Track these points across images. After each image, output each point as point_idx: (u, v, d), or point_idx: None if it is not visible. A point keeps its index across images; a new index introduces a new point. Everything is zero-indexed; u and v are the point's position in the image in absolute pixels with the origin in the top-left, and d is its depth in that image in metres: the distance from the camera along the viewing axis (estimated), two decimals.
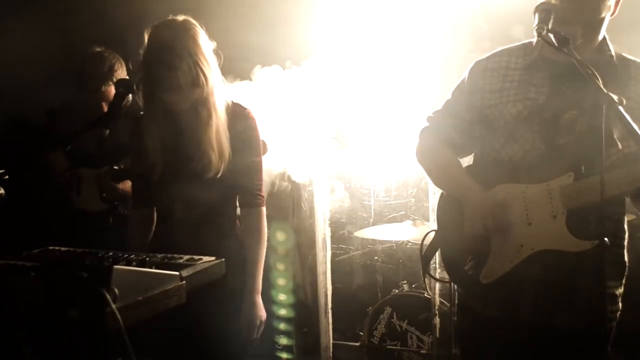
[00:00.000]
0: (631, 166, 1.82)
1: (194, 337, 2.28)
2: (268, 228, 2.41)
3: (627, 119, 1.61)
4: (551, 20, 1.87)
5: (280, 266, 3.93)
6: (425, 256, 2.21)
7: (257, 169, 2.38)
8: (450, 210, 2.14)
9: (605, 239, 1.76)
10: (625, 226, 2.05)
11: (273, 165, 3.30)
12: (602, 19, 1.98)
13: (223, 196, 2.33)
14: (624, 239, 2.03)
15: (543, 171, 1.96)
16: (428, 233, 2.22)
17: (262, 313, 2.35)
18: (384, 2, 3.98)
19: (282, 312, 3.88)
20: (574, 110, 1.94)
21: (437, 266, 3.15)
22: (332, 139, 3.47)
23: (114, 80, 2.99)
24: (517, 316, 2.00)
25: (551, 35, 1.83)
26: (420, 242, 2.22)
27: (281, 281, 3.92)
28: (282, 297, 3.88)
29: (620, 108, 1.62)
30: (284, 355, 3.89)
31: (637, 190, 1.94)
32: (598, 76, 1.71)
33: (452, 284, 2.30)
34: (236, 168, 2.29)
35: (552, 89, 2.00)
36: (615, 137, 1.88)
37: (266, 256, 2.39)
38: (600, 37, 2.02)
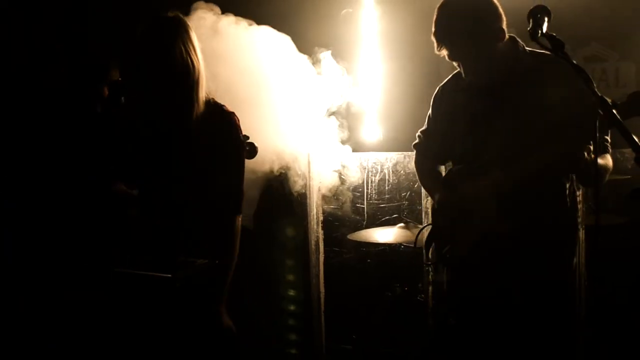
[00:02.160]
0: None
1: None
2: (275, 223, 2.41)
3: (619, 120, 1.63)
4: (545, 24, 1.88)
5: (290, 262, 3.94)
6: (426, 247, 2.58)
7: (236, 173, 2.36)
8: (435, 210, 2.56)
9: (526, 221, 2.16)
10: (567, 204, 2.32)
11: (267, 166, 3.30)
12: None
13: (199, 197, 2.30)
14: (557, 218, 2.30)
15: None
16: (424, 227, 2.69)
17: (228, 322, 2.32)
18: (379, 2, 3.99)
19: (291, 307, 3.89)
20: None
21: (430, 269, 3.16)
22: (333, 139, 3.48)
23: (108, 80, 2.98)
24: (481, 295, 2.35)
25: (546, 39, 1.85)
26: (414, 243, 2.71)
27: (290, 277, 3.94)
28: (291, 292, 3.90)
29: (614, 111, 1.64)
30: (292, 350, 3.90)
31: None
32: (591, 79, 1.73)
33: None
34: (215, 171, 2.28)
35: (474, 124, 2.37)
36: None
37: (274, 252, 2.40)
38: (503, 44, 2.31)
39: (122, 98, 2.61)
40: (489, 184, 2.26)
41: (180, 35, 2.21)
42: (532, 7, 1.94)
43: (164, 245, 2.20)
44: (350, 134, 3.72)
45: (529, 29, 1.90)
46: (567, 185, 2.33)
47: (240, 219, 2.38)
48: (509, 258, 2.28)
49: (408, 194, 4.18)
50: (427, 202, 3.51)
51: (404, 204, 4.14)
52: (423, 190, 3.53)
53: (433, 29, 2.35)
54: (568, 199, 2.33)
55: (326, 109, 3.56)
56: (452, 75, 2.57)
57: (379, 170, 4.04)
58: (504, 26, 2.30)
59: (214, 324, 2.28)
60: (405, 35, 3.96)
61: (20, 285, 2.50)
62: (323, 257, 3.67)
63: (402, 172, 4.06)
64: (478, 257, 2.31)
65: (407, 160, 3.81)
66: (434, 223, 2.55)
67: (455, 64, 2.44)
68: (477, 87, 2.39)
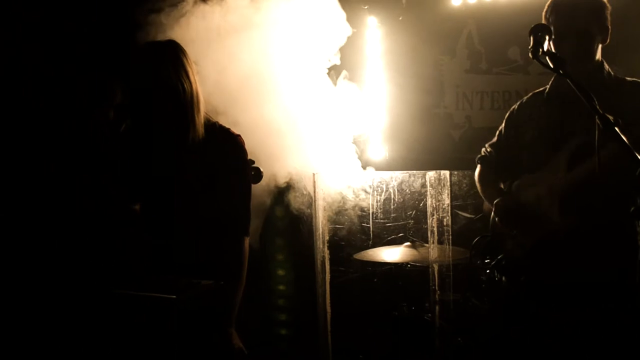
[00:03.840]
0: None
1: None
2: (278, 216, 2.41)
3: (623, 139, 1.62)
4: (546, 42, 1.89)
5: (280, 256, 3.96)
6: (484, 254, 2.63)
7: (245, 196, 2.38)
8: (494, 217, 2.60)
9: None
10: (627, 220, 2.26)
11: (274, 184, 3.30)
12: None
13: (204, 219, 2.31)
14: (616, 230, 2.26)
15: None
16: (478, 238, 2.67)
17: (239, 344, 2.32)
18: (383, 23, 4.01)
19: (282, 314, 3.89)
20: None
21: (437, 288, 3.14)
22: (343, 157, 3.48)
23: (113, 104, 3.00)
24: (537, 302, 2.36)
25: (547, 57, 1.85)
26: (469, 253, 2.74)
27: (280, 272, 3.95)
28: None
29: (616, 128, 1.63)
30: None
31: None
32: (594, 97, 1.72)
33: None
34: (224, 193, 2.30)
35: (548, 138, 2.39)
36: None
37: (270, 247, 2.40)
38: (595, 60, 2.31)
39: (128, 121, 2.64)
40: (550, 188, 2.28)
41: (170, 59, 2.24)
42: (532, 26, 1.95)
43: (168, 267, 2.20)
44: (356, 153, 3.72)
45: (530, 47, 1.90)
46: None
47: (248, 241, 2.38)
48: (567, 265, 2.28)
49: (414, 213, 4.17)
50: (432, 221, 3.49)
51: (409, 223, 4.13)
52: (429, 209, 3.52)
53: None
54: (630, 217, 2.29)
55: (340, 130, 3.55)
56: (532, 94, 2.62)
57: (384, 190, 4.04)
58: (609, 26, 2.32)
59: (224, 346, 2.27)
60: (409, 55, 3.98)
61: (21, 294, 2.50)
62: (329, 277, 3.65)
63: (407, 191, 4.05)
64: (535, 264, 2.33)
65: (412, 179, 3.81)
66: (491, 230, 2.58)
67: None
68: (561, 96, 2.38)
